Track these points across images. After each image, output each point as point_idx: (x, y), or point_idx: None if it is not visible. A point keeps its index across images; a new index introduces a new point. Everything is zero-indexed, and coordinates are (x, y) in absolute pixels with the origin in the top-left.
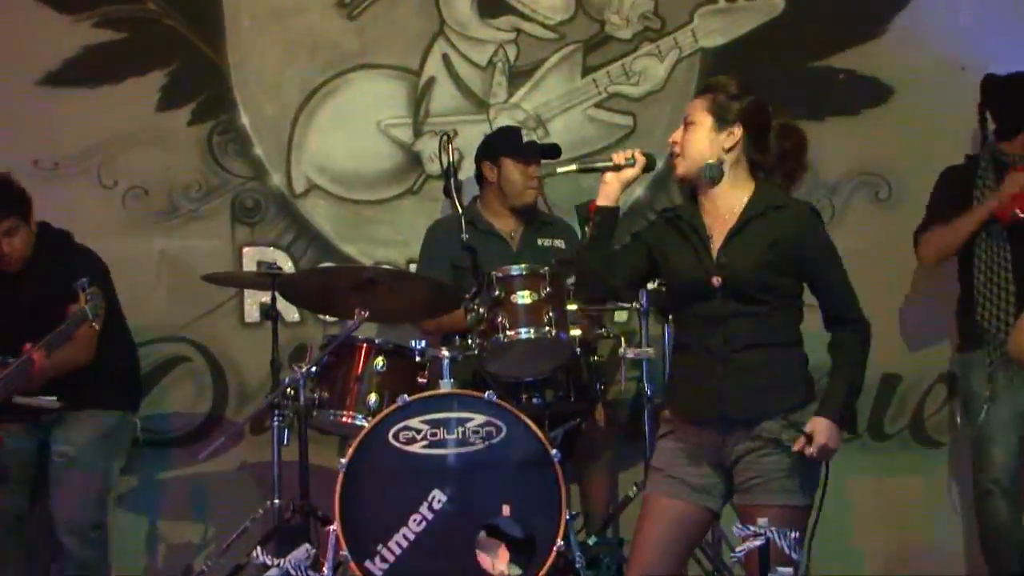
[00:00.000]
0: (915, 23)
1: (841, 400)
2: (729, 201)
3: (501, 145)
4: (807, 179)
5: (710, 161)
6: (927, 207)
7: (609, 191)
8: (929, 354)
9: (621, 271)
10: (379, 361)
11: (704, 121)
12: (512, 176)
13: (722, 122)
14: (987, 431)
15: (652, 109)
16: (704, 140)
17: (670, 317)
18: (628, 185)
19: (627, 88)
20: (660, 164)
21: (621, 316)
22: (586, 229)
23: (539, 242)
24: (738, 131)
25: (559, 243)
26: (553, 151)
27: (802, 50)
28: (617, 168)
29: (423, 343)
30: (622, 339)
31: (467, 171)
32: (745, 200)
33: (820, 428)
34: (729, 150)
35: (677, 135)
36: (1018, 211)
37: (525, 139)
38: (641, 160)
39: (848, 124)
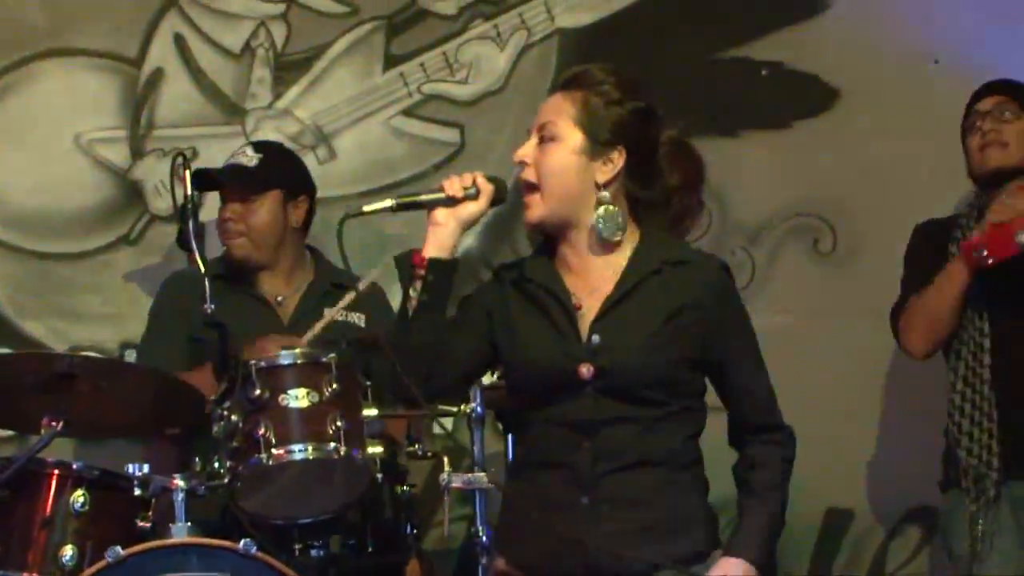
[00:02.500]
0: None
1: (762, 536)
2: (604, 256)
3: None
4: (711, 221)
5: (606, 209)
6: (902, 283)
7: (442, 236)
8: (894, 480)
9: (456, 357)
10: (78, 496)
11: (570, 137)
12: (218, 218)
13: (597, 142)
14: None
15: (488, 117)
16: (572, 168)
17: (501, 425)
18: (469, 226)
19: (451, 87)
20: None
21: (443, 425)
22: (410, 293)
23: (326, 314)
24: (619, 157)
25: (356, 317)
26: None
27: (708, 34)
28: (452, 202)
29: (145, 468)
30: (445, 460)
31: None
32: (627, 254)
33: (731, 574)
34: (606, 185)
35: (527, 152)
36: (985, 252)
37: (234, 159)
38: (487, 189)
39: (775, 141)
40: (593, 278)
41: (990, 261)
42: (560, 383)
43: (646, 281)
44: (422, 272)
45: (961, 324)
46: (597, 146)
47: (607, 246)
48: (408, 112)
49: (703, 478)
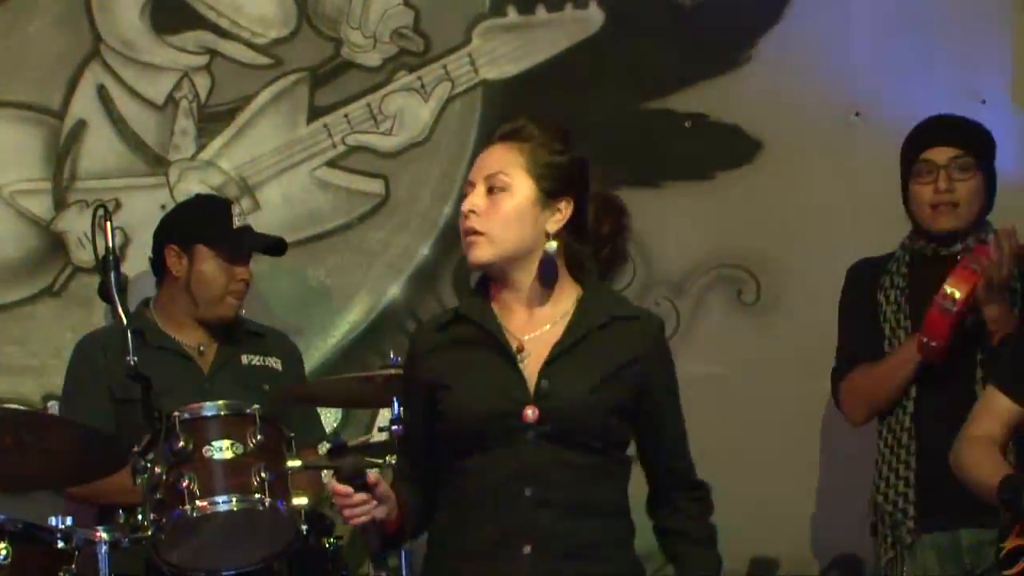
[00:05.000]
0: (789, 50)
1: None
2: (546, 302)
3: (199, 225)
4: (635, 271)
5: (549, 249)
6: (839, 336)
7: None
8: (819, 529)
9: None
10: (1, 549)
11: (522, 187)
12: (209, 274)
13: (547, 192)
14: None
15: (413, 169)
16: (524, 216)
17: None
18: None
19: (376, 138)
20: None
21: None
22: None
23: (244, 360)
24: (567, 207)
25: (273, 362)
26: (278, 248)
27: (631, 85)
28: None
29: (68, 520)
30: None
31: (136, 261)
32: (572, 304)
33: None
34: (555, 235)
35: (478, 201)
36: (925, 338)
37: (237, 220)
38: (374, 479)
39: (697, 193)
40: (534, 322)
41: (934, 345)
42: (502, 427)
43: (593, 333)
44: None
45: None
46: (547, 196)
47: (548, 293)
48: (332, 163)
49: (633, 528)
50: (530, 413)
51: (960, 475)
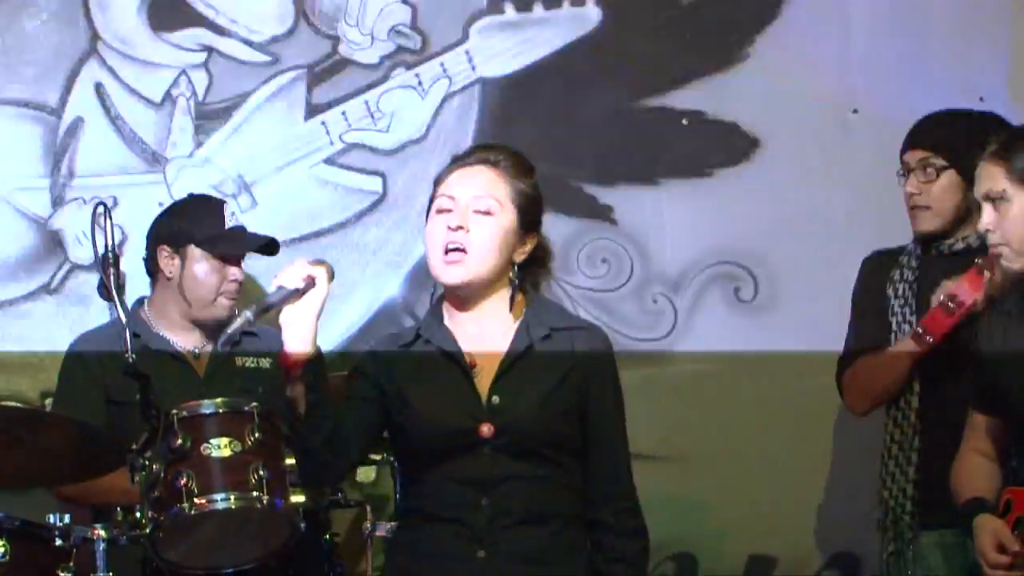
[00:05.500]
0: (787, 47)
1: None
2: (495, 319)
3: (191, 226)
4: (633, 268)
5: (515, 279)
6: (849, 327)
7: (301, 332)
8: (816, 526)
9: (355, 441)
10: None
11: (507, 215)
12: (201, 275)
13: (523, 225)
14: None
15: (411, 166)
16: (506, 244)
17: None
18: (320, 315)
19: (373, 136)
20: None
21: (366, 475)
22: (288, 394)
23: (238, 363)
24: (531, 242)
25: (267, 363)
26: (271, 248)
27: (629, 83)
28: (297, 293)
29: (66, 518)
30: (368, 509)
31: (134, 258)
32: (516, 318)
33: None
34: (519, 266)
35: (468, 220)
36: (921, 329)
37: (229, 221)
38: (321, 272)
39: (695, 190)
40: (484, 335)
41: (930, 339)
42: (459, 442)
43: (537, 345)
44: (298, 373)
45: None
46: (521, 229)
47: (497, 309)
48: (330, 161)
49: (585, 534)
50: (486, 429)
51: (954, 495)
